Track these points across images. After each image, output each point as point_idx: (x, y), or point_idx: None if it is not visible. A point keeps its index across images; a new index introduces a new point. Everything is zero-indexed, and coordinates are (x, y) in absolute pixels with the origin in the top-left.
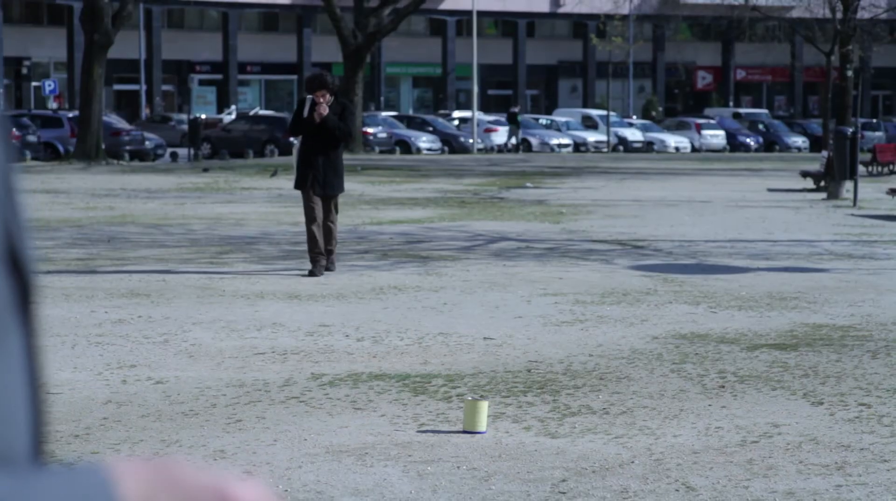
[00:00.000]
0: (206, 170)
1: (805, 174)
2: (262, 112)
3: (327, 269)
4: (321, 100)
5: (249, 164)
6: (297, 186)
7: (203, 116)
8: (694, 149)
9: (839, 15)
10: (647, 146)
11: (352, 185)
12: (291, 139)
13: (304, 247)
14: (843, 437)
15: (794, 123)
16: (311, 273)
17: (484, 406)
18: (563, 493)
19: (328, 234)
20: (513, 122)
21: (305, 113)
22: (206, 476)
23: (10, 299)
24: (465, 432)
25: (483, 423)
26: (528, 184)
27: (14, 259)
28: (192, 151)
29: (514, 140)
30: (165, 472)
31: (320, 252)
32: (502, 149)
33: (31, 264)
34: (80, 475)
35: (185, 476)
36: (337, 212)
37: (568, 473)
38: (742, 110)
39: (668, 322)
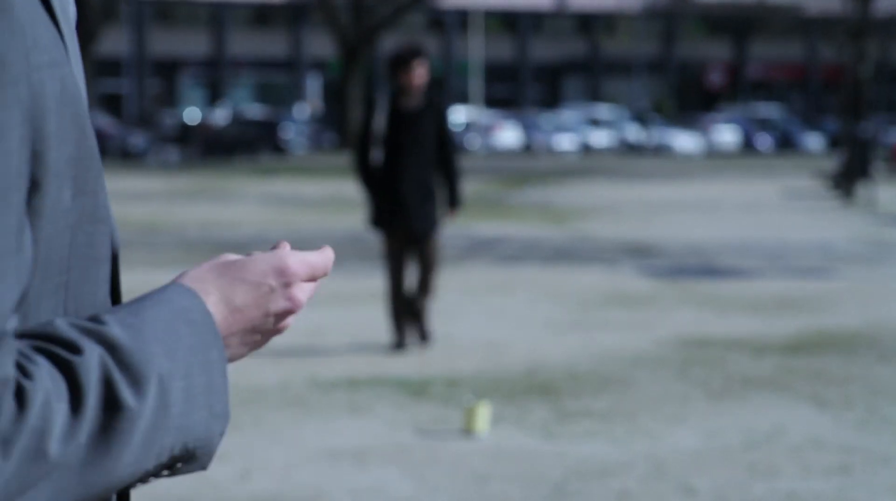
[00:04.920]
0: (183, 171)
1: (820, 174)
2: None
3: (421, 337)
4: (411, 76)
5: (241, 165)
6: (373, 223)
7: (193, 115)
8: (705, 148)
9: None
10: (656, 146)
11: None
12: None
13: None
14: (847, 439)
15: (809, 121)
16: (398, 345)
17: (484, 409)
18: (563, 494)
19: (423, 288)
20: (641, 120)
21: (377, 121)
22: (262, 257)
23: None
24: (465, 433)
25: (483, 425)
26: (532, 185)
27: None
28: (181, 151)
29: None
30: (230, 266)
31: (406, 315)
32: (632, 148)
33: (114, 245)
34: (165, 293)
35: (246, 264)
36: (434, 260)
37: (568, 475)
38: (756, 108)
39: (674, 327)
